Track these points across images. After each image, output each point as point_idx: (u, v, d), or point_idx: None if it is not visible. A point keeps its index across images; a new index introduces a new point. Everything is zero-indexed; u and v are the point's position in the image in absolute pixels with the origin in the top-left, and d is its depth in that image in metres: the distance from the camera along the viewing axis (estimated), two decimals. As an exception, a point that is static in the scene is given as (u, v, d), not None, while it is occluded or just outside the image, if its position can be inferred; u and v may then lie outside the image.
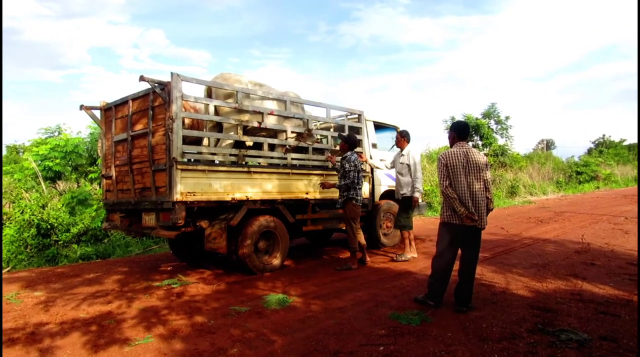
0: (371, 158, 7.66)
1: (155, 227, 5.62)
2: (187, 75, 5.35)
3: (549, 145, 46.02)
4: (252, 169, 5.93)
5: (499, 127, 25.39)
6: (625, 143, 41.53)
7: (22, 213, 8.70)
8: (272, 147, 6.41)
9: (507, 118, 25.25)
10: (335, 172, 6.88)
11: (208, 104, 5.92)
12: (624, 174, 31.91)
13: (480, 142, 24.47)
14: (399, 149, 7.06)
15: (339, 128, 7.59)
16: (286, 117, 6.58)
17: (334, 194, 6.71)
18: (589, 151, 41.65)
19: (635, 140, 35.90)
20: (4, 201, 10.37)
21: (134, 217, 6.19)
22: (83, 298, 5.06)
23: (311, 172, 6.71)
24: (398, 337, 3.60)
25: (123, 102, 6.08)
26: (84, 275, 6.41)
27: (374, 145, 7.96)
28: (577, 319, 3.93)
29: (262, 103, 6.35)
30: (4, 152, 20.53)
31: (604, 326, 3.74)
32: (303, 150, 6.75)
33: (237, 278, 5.84)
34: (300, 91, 7.56)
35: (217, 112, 6.10)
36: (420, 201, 7.02)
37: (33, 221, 8.53)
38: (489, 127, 24.87)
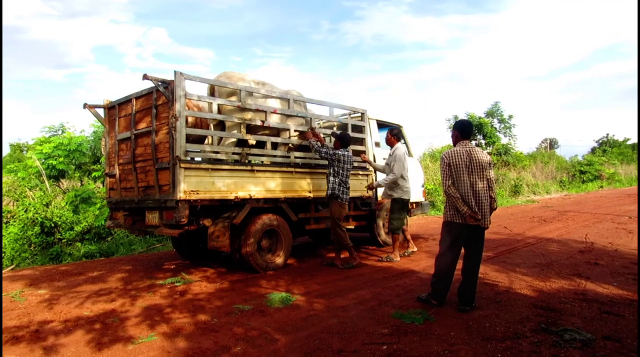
0: (374, 157, 7.65)
1: (159, 225, 5.63)
2: (190, 74, 5.35)
3: (552, 144, 45.93)
4: (256, 168, 5.94)
5: (502, 126, 25.34)
6: (629, 142, 41.37)
7: (26, 211, 8.74)
8: (275, 145, 6.41)
9: (510, 117, 25.20)
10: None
11: (211, 103, 5.93)
12: (628, 173, 31.81)
13: (483, 141, 24.42)
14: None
15: (342, 127, 7.59)
16: (289, 116, 6.58)
17: None
18: (593, 150, 41.51)
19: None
20: (8, 200, 10.41)
21: (138, 216, 6.20)
22: (87, 296, 5.07)
23: (314, 171, 6.71)
24: (401, 336, 3.60)
25: (126, 101, 6.09)
26: (88, 273, 6.43)
27: (377, 144, 7.95)
28: (581, 318, 3.92)
29: (265, 101, 6.35)
30: (8, 151, 20.61)
31: (608, 326, 3.72)
32: (306, 148, 6.75)
33: (240, 277, 5.85)
34: (303, 90, 7.56)
35: (220, 111, 6.11)
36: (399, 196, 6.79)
37: (37, 219, 8.56)
38: (492, 126, 24.82)
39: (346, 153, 6.29)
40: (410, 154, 8.39)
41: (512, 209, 15.68)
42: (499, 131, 25.24)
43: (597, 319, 3.89)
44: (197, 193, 5.33)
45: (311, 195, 6.60)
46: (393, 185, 6.79)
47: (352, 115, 7.93)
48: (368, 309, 4.34)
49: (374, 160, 7.67)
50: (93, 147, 11.71)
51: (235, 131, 6.04)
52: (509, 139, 25.41)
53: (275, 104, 6.45)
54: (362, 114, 7.65)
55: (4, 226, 8.88)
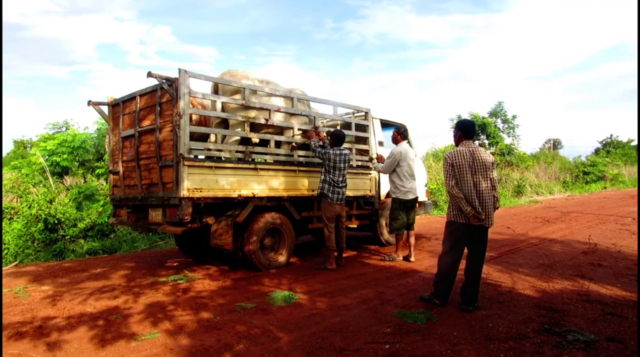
0: (378, 155, 7.63)
1: (162, 223, 5.64)
2: (194, 72, 5.36)
3: (555, 144, 45.76)
4: (259, 166, 5.94)
5: (506, 126, 25.31)
6: (632, 143, 41.13)
7: (29, 208, 8.76)
8: (278, 144, 6.41)
9: (514, 117, 25.16)
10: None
11: (215, 101, 5.92)
12: (632, 174, 31.66)
13: (486, 141, 24.39)
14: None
15: (346, 126, 7.58)
16: (293, 114, 6.58)
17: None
18: (596, 151, 41.35)
19: (641, 141, 35.54)
20: (12, 196, 10.44)
21: (141, 213, 6.21)
22: (90, 293, 5.09)
23: (318, 169, 6.70)
24: (404, 335, 3.60)
25: (131, 98, 6.09)
26: (91, 270, 6.44)
27: (381, 143, 7.94)
28: (584, 319, 3.92)
29: (269, 100, 6.35)
30: (12, 147, 20.68)
31: (611, 327, 3.72)
32: (310, 147, 6.74)
33: (242, 275, 5.86)
34: (306, 88, 7.56)
35: (223, 109, 6.11)
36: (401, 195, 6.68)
37: (40, 215, 8.59)
38: (495, 126, 24.78)
39: (338, 151, 6.16)
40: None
41: (515, 209, 15.64)
42: (502, 131, 25.20)
43: (600, 321, 3.88)
44: (201, 191, 5.33)
45: (314, 194, 6.60)
46: (392, 184, 6.77)
47: (355, 114, 7.92)
48: (371, 308, 4.34)
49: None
50: (97, 144, 11.75)
51: (238, 129, 6.04)
52: (513, 139, 25.38)
53: (279, 102, 6.45)
54: (366, 113, 7.64)
55: (7, 222, 8.91)
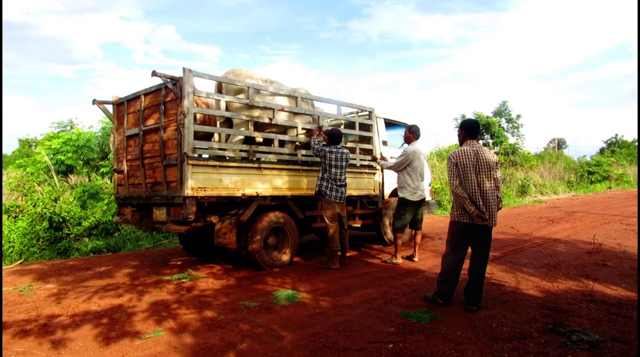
0: (381, 155, 7.62)
1: (166, 221, 5.65)
2: (198, 71, 5.36)
3: (560, 144, 45.63)
4: (263, 165, 5.94)
5: (510, 125, 25.22)
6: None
7: (34, 206, 8.80)
8: (282, 143, 6.41)
9: (518, 116, 25.07)
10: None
11: (219, 100, 5.93)
12: (637, 174, 31.52)
13: (490, 141, 24.32)
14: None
15: (350, 125, 7.58)
16: (297, 114, 6.58)
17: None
18: (601, 151, 41.17)
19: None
20: (17, 194, 10.49)
21: (145, 212, 6.23)
22: (94, 291, 5.11)
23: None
24: (407, 335, 3.60)
25: (135, 97, 6.11)
26: (95, 268, 6.47)
27: (385, 143, 7.93)
28: (589, 320, 3.90)
29: (273, 99, 6.35)
30: (17, 146, 20.77)
31: (616, 328, 3.70)
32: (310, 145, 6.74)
33: (246, 273, 5.87)
34: (310, 88, 7.55)
35: (227, 108, 6.11)
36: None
37: (45, 214, 8.62)
38: (499, 125, 24.71)
39: (335, 150, 6.10)
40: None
41: (520, 209, 15.60)
42: (506, 131, 25.12)
43: (604, 321, 3.87)
44: (205, 190, 5.34)
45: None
46: (400, 183, 6.69)
47: (359, 114, 7.92)
48: (374, 308, 4.34)
49: (381, 157, 7.62)
50: (101, 143, 11.77)
51: (242, 128, 6.04)
52: (517, 139, 25.30)
53: (283, 101, 6.45)
54: (370, 112, 7.64)
55: (13, 220, 8.96)
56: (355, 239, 8.64)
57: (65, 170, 11.54)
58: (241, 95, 6.01)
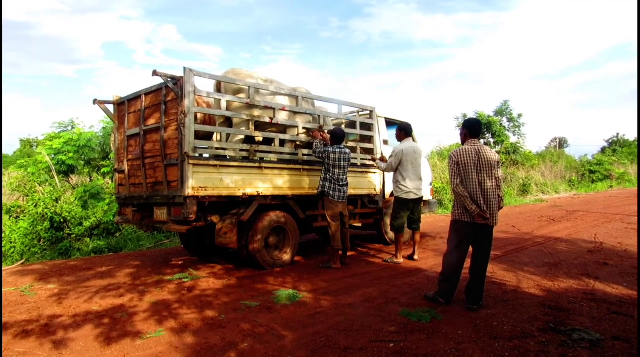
0: (382, 155, 7.61)
1: (167, 221, 5.66)
2: (199, 70, 5.36)
3: (561, 143, 45.59)
4: (264, 165, 5.95)
5: (512, 125, 25.20)
6: (639, 142, 40.92)
7: (35, 206, 8.81)
8: (282, 142, 6.41)
9: (519, 116, 25.04)
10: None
11: (220, 99, 5.93)
12: (637, 173, 31.49)
13: (492, 140, 24.30)
14: None
15: (351, 124, 7.58)
16: (297, 113, 6.57)
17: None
18: (603, 150, 41.15)
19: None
20: (18, 195, 10.50)
21: (146, 212, 6.24)
22: (95, 291, 5.11)
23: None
24: (408, 334, 3.60)
25: (136, 97, 6.11)
26: (97, 268, 6.47)
27: (385, 142, 7.93)
28: (590, 318, 3.90)
29: (273, 99, 6.35)
30: (18, 146, 20.79)
31: (617, 326, 3.70)
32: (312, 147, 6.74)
33: (247, 273, 5.87)
34: (311, 87, 7.55)
35: (227, 108, 6.11)
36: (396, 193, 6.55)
37: (46, 214, 8.63)
38: (501, 124, 24.70)
39: (338, 150, 6.11)
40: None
41: (521, 208, 15.59)
42: (508, 130, 25.11)
43: (606, 320, 3.87)
44: (206, 189, 5.35)
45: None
46: (394, 183, 6.60)
47: (360, 113, 7.92)
48: (375, 307, 4.34)
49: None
50: (102, 143, 11.77)
51: (243, 128, 6.04)
52: (518, 138, 25.28)
53: (283, 101, 6.45)
54: (371, 111, 7.63)
55: (14, 220, 8.97)
56: (356, 239, 8.63)
57: (67, 171, 11.54)
58: (242, 95, 6.01)
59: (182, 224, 5.47)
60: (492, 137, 24.32)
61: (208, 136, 5.98)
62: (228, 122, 6.22)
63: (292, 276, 5.70)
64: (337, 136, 6.24)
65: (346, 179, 6.23)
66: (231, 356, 3.22)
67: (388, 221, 7.75)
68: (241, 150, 5.88)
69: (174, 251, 8.05)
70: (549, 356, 3.14)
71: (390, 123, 8.17)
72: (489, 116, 24.25)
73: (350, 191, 6.72)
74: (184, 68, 5.18)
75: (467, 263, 4.39)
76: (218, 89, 6.07)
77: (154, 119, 5.79)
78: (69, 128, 12.43)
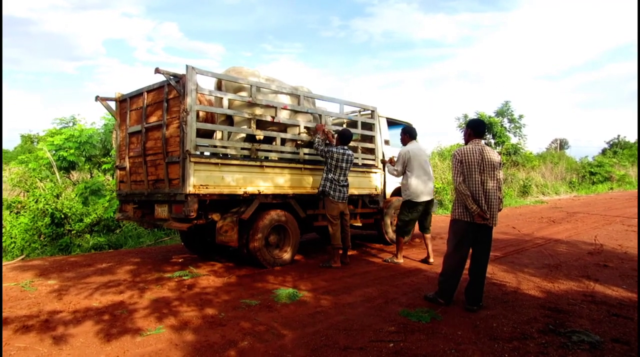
0: (383, 155, 7.61)
1: (168, 218, 5.66)
2: (201, 68, 5.36)
3: (562, 144, 45.53)
4: (265, 164, 5.95)
5: (512, 125, 25.21)
6: (640, 144, 40.87)
7: (36, 202, 8.82)
8: (283, 141, 6.41)
9: (520, 117, 25.06)
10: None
11: (222, 98, 5.93)
12: (638, 175, 31.48)
13: (493, 141, 24.31)
14: None
15: (352, 124, 7.57)
16: (299, 112, 6.57)
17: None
18: (603, 151, 41.12)
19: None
20: (18, 190, 10.51)
21: (147, 209, 6.24)
22: (96, 287, 5.12)
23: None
24: (408, 334, 3.60)
25: (138, 94, 6.11)
26: (97, 265, 6.48)
27: (387, 142, 7.93)
28: (589, 320, 3.90)
29: (275, 97, 6.35)
30: (19, 142, 20.80)
31: (617, 329, 3.70)
32: (313, 145, 6.74)
33: (247, 271, 5.87)
34: (312, 86, 7.55)
35: (229, 106, 6.11)
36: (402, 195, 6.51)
37: (47, 210, 8.64)
38: (502, 125, 24.71)
39: (342, 151, 6.12)
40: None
41: (521, 209, 15.58)
42: (508, 131, 25.11)
43: (605, 322, 3.87)
44: (207, 187, 5.35)
45: (320, 191, 6.59)
46: (402, 185, 6.54)
47: (362, 113, 7.91)
48: (375, 307, 4.34)
49: (383, 158, 7.61)
50: (103, 139, 11.78)
51: (244, 126, 6.04)
52: (519, 139, 25.29)
53: (284, 100, 6.45)
54: (372, 111, 7.63)
55: (15, 216, 8.98)
56: (356, 238, 8.64)
57: (67, 167, 11.56)
58: (243, 93, 6.01)
59: (182, 221, 5.48)
60: (493, 138, 24.33)
61: (209, 134, 5.98)
62: (229, 120, 6.22)
63: (292, 274, 5.71)
64: (345, 137, 6.27)
65: (347, 179, 6.25)
66: (231, 354, 3.22)
67: (389, 220, 7.76)
68: (242, 148, 5.88)
69: (174, 248, 8.06)
70: (548, 358, 3.15)
71: (391, 123, 8.17)
72: (490, 117, 24.25)
73: (351, 191, 6.72)
74: (186, 66, 5.18)
75: (467, 264, 4.39)
76: (219, 87, 6.07)
77: (155, 116, 5.79)
78: (70, 124, 12.43)
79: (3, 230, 8.42)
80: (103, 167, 11.43)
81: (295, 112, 6.53)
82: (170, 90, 5.48)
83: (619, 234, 9.02)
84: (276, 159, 6.26)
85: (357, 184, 7.10)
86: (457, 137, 32.58)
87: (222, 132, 5.93)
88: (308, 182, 6.51)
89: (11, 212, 9.20)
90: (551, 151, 36.78)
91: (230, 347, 3.33)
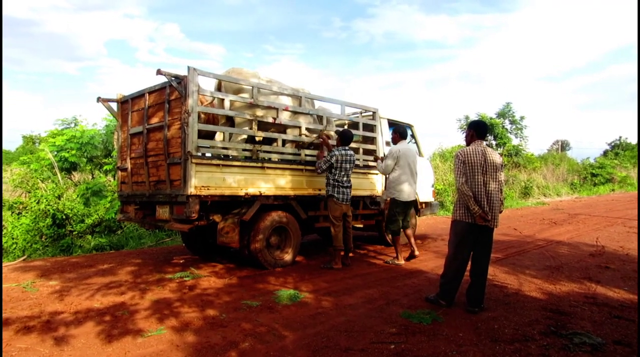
0: (384, 155, 7.60)
1: (169, 220, 5.66)
2: (203, 70, 5.37)
3: (563, 146, 45.52)
4: (266, 165, 5.95)
5: (514, 127, 25.21)
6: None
7: (38, 203, 8.82)
8: (284, 142, 6.40)
9: (522, 118, 25.07)
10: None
11: (223, 99, 5.92)
12: (638, 177, 31.44)
13: (494, 142, 24.31)
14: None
15: (353, 125, 7.57)
16: (300, 113, 6.57)
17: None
18: (605, 153, 41.08)
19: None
20: (20, 191, 10.52)
21: (148, 210, 6.24)
22: (97, 288, 5.12)
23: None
24: (409, 335, 3.60)
25: (140, 95, 6.12)
26: (98, 265, 6.48)
27: (388, 143, 7.92)
28: (591, 322, 3.90)
29: (276, 98, 6.35)
30: (21, 143, 20.83)
31: (619, 331, 3.70)
32: (317, 147, 6.74)
33: (248, 273, 5.87)
34: (314, 87, 7.56)
35: (230, 107, 6.10)
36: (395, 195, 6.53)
37: (49, 210, 8.65)
38: (503, 127, 24.70)
39: (343, 151, 6.11)
40: (420, 154, 8.35)
41: (522, 210, 15.57)
42: (510, 132, 25.11)
43: (607, 324, 3.86)
44: (208, 189, 5.35)
45: (321, 193, 6.60)
46: (388, 184, 6.64)
47: (363, 114, 7.91)
48: (376, 308, 4.34)
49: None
50: (105, 140, 11.79)
51: (245, 128, 6.04)
52: (520, 140, 25.30)
53: (286, 101, 6.45)
54: (374, 112, 7.63)
55: (16, 217, 8.99)
56: (357, 239, 8.63)
57: (69, 168, 11.58)
58: (244, 94, 6.01)
59: (184, 222, 5.48)
60: (495, 139, 24.33)
61: (210, 135, 5.98)
62: (230, 121, 6.22)
63: (294, 276, 5.71)
64: (346, 137, 6.27)
65: (349, 180, 6.24)
66: (232, 356, 3.22)
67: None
68: (244, 150, 5.89)
69: (175, 249, 8.06)
70: (549, 360, 3.15)
71: (392, 124, 8.16)
72: (491, 118, 24.25)
73: (352, 192, 6.71)
74: (188, 67, 5.19)
75: (468, 265, 4.38)
76: (218, 88, 6.06)
77: (157, 117, 5.80)
78: (72, 125, 12.44)
79: (5, 231, 8.43)
80: (104, 168, 11.44)
81: (297, 113, 6.53)
82: (172, 92, 5.49)
83: (620, 236, 9.01)
84: (277, 160, 6.26)
85: (358, 185, 7.09)
86: (458, 139, 32.54)
87: (224, 133, 5.93)
88: (309, 184, 6.51)
89: (13, 212, 9.21)
90: (552, 152, 36.78)
91: (231, 349, 3.33)
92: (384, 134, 7.83)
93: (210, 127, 5.66)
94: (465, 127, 23.05)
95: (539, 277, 5.57)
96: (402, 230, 6.66)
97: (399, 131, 6.76)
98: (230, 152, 5.82)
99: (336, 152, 6.07)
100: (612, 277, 5.54)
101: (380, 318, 4.03)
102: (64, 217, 8.75)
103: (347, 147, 6.22)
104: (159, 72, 5.13)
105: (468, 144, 4.41)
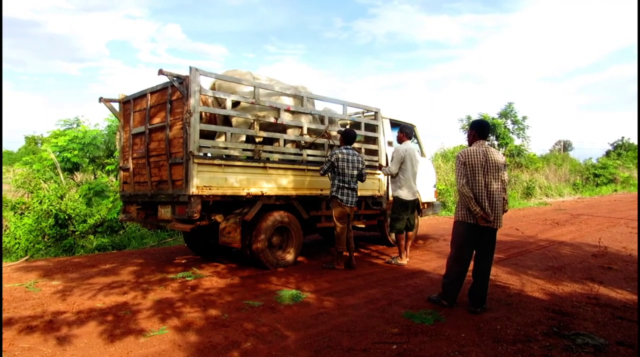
0: (386, 156, 7.61)
1: (171, 220, 5.67)
2: (205, 70, 5.37)
3: (566, 146, 45.47)
4: (268, 165, 5.95)
5: (516, 127, 25.12)
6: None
7: (40, 203, 8.85)
8: (285, 142, 6.40)
9: (524, 118, 24.96)
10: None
11: (225, 99, 5.92)
12: (638, 177, 31.39)
13: (496, 142, 24.24)
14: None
15: (355, 125, 7.57)
16: (301, 113, 6.57)
17: None
18: (607, 153, 40.94)
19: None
20: (22, 191, 10.55)
21: (150, 210, 6.25)
22: (99, 288, 5.13)
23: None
24: (411, 336, 3.59)
25: (141, 95, 6.13)
26: (100, 265, 6.49)
27: (390, 143, 7.92)
28: (594, 323, 3.89)
29: (278, 99, 6.35)
30: (23, 143, 20.88)
31: (621, 331, 3.68)
32: (319, 146, 6.75)
33: (250, 273, 5.87)
34: (315, 87, 7.56)
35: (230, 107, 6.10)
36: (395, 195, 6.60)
37: (51, 211, 8.67)
38: (505, 127, 24.62)
39: (345, 151, 6.06)
40: (422, 154, 8.35)
41: (525, 211, 15.55)
42: (512, 132, 25.03)
43: (610, 324, 3.85)
44: (210, 189, 5.35)
45: (323, 193, 6.60)
46: (393, 183, 6.69)
47: (365, 114, 7.91)
48: (378, 308, 4.33)
49: (386, 160, 7.63)
50: (107, 141, 11.82)
51: (247, 128, 6.04)
52: (523, 141, 25.20)
53: (287, 101, 6.45)
54: (376, 112, 7.63)
55: (19, 217, 9.01)
56: (359, 240, 8.63)
57: (71, 168, 11.61)
58: (246, 95, 6.01)
59: (186, 222, 5.48)
60: (497, 140, 24.26)
61: (211, 135, 5.98)
62: (227, 121, 6.19)
63: (295, 276, 5.71)
64: (350, 137, 6.23)
65: (356, 182, 6.17)
66: (234, 355, 3.22)
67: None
68: (245, 150, 5.89)
69: (177, 249, 8.07)
70: (552, 360, 3.14)
71: (394, 124, 8.16)
72: (493, 118, 24.18)
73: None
74: (190, 67, 5.20)
75: (471, 266, 4.38)
76: (219, 89, 6.05)
77: (159, 117, 5.81)
78: (74, 126, 12.47)
79: (7, 231, 8.45)
80: (107, 168, 11.46)
81: (298, 113, 6.53)
82: (174, 92, 5.49)
83: (623, 236, 8.98)
84: (277, 160, 6.26)
85: (360, 186, 7.08)
86: (460, 139, 32.53)
87: (226, 133, 5.93)
88: (311, 184, 6.51)
89: (15, 213, 9.24)
90: (555, 153, 36.73)
91: (233, 349, 3.33)
92: (386, 134, 7.83)
93: (211, 127, 5.67)
94: (467, 127, 23.02)
95: (541, 277, 5.56)
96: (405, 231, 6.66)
97: (405, 131, 6.80)
98: (232, 152, 5.82)
99: (337, 152, 6.05)
100: (614, 278, 5.53)
101: (382, 318, 4.03)
102: (66, 217, 8.77)
103: (349, 147, 6.20)
104: (160, 72, 5.14)
105: (470, 144, 4.39)
